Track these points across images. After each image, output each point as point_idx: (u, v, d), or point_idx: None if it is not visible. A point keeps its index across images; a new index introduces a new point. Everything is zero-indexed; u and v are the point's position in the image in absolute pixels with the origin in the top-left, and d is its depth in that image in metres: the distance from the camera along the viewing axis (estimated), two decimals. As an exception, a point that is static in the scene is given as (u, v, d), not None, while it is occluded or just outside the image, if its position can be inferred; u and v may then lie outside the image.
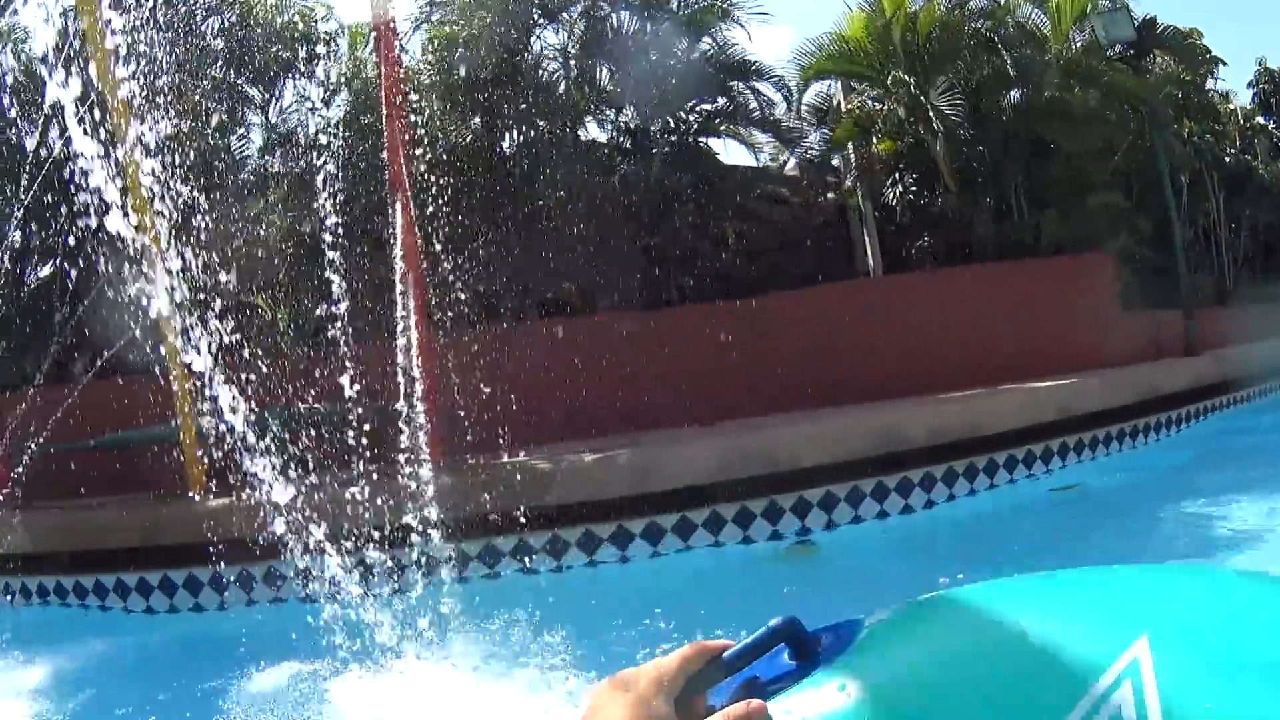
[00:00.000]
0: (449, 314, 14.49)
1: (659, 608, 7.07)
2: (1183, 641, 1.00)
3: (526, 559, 9.37)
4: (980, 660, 1.05)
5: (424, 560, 8.50)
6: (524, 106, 16.21)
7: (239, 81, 15.38)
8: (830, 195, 17.32)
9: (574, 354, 13.55)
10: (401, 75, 12.60)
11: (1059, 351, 14.87)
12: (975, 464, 11.20)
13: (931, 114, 14.98)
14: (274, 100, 16.83)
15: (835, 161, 17.01)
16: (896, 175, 16.61)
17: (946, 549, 9.80)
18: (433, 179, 15.96)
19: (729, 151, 35.26)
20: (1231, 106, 30.91)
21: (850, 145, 16.51)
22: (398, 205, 10.16)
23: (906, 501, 10.62)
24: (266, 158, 16.79)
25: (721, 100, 17.31)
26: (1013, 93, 17.02)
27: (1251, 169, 25.70)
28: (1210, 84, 27.86)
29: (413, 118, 15.27)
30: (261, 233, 15.58)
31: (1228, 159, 25.00)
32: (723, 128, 17.99)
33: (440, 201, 16.12)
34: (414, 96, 15.91)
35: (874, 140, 16.24)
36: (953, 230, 16.00)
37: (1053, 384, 12.76)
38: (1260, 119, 32.42)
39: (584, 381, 13.40)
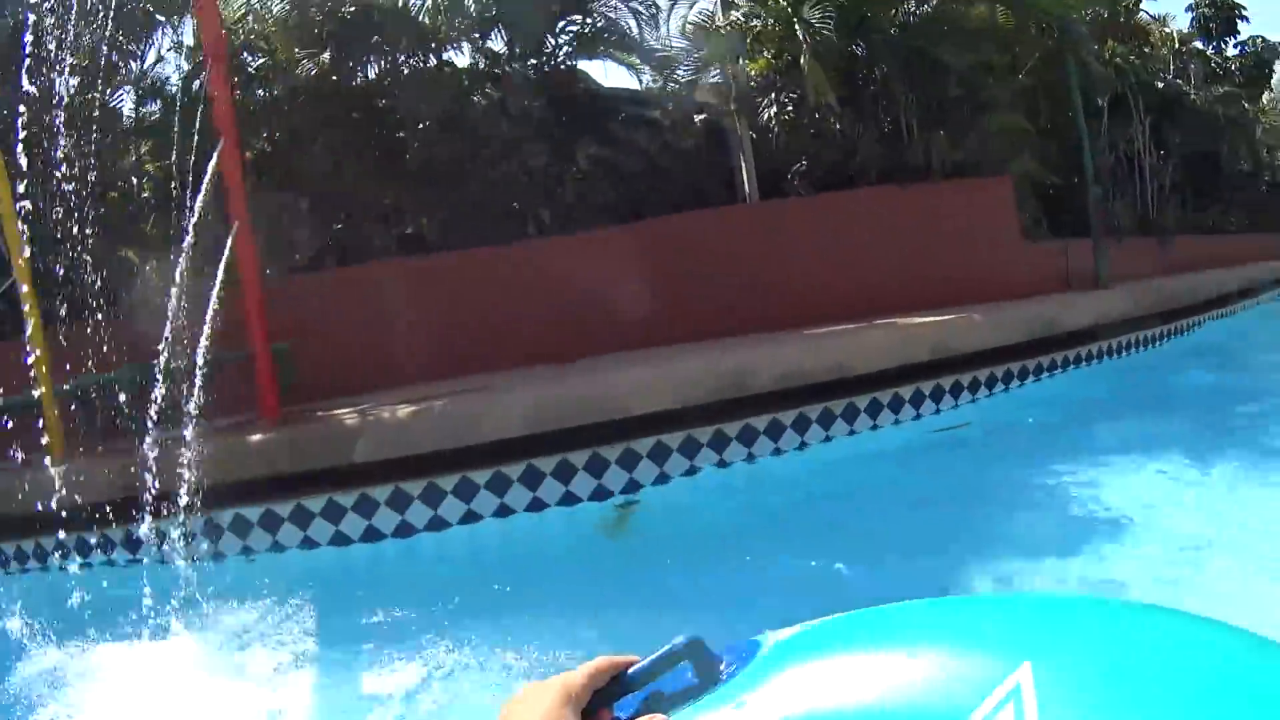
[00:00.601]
0: (283, 257, 13.56)
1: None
2: (1065, 669, 1.03)
3: (335, 522, 8.62)
4: (870, 683, 1.09)
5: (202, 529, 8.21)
6: (377, 39, 14.92)
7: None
8: (702, 117, 15.99)
9: (422, 293, 12.84)
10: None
11: (954, 283, 13.83)
12: (832, 409, 10.17)
13: (798, 28, 13.69)
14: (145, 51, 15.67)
15: (714, 79, 15.66)
16: (773, 96, 15.28)
17: (784, 499, 8.94)
18: (275, 117, 15.05)
19: (611, 76, 33.95)
20: (1168, 30, 30.04)
21: (728, 65, 15.20)
22: (219, 148, 9.36)
23: (750, 450, 9.66)
24: (140, 108, 15.75)
25: (590, 20, 15.96)
26: (909, 4, 15.75)
27: (1183, 94, 24.61)
28: (1146, 5, 27.13)
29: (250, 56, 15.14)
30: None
31: (1160, 83, 23.88)
32: (599, 49, 16.72)
33: (281, 139, 15.18)
34: (260, 31, 15.39)
35: (744, 58, 14.91)
36: (835, 154, 14.73)
37: (932, 319, 11.69)
38: (1198, 44, 31.60)
39: (433, 322, 12.82)
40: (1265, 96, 40.80)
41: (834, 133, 15.09)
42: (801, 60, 13.70)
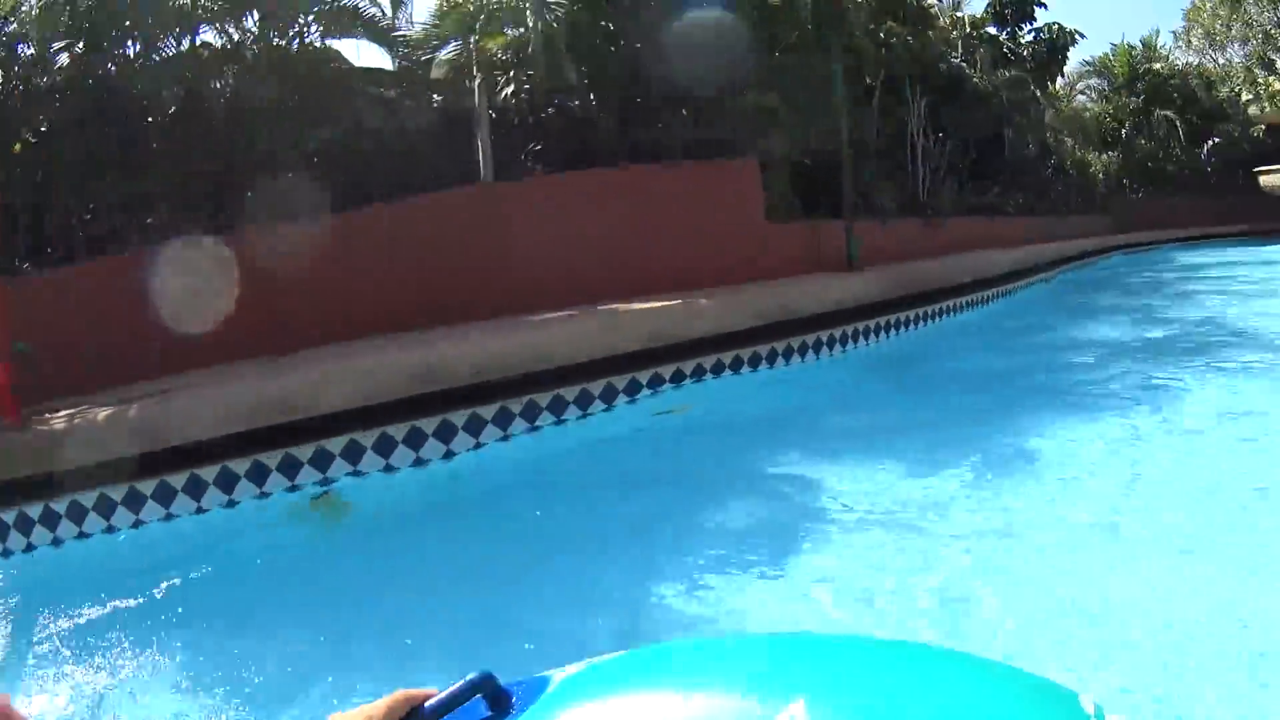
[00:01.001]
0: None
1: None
2: (837, 706, 1.13)
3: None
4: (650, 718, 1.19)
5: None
6: (129, 23, 14.03)
7: None
8: (441, 96, 15.42)
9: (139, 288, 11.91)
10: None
11: (698, 266, 13.53)
12: (537, 401, 9.81)
13: (529, 6, 13.26)
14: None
15: (451, 56, 15.08)
16: (511, 74, 14.76)
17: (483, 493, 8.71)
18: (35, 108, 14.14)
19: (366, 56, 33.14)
20: (960, 15, 30.57)
21: (468, 42, 14.66)
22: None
23: (449, 447, 9.26)
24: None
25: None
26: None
27: (965, 77, 24.95)
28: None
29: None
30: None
31: (943, 66, 24.13)
32: (350, 28, 16.01)
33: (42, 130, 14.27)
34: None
35: (478, 34, 14.35)
36: (575, 133, 14.30)
37: (654, 305, 11.31)
38: (991, 29, 32.23)
39: (151, 318, 11.78)
40: (1058, 82, 42.16)
41: (575, 112, 14.65)
42: (532, 38, 13.25)
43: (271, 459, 8.51)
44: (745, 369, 11.83)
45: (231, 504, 8.41)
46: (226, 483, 8.40)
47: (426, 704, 1.28)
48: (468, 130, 14.33)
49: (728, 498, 7.61)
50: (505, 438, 9.51)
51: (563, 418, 9.93)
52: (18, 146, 13.52)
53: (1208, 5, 42.80)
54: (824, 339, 12.98)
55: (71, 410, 8.94)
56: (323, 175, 13.88)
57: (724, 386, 11.40)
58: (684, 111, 14.45)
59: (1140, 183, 47.05)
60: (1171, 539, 6.06)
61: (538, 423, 9.74)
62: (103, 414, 8.57)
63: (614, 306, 11.54)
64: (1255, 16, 39.19)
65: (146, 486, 8.22)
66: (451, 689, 1.30)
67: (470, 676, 1.30)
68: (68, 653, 5.93)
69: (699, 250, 13.74)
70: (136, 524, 8.25)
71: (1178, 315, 17.92)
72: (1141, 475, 7.56)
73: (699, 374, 11.24)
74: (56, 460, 8.05)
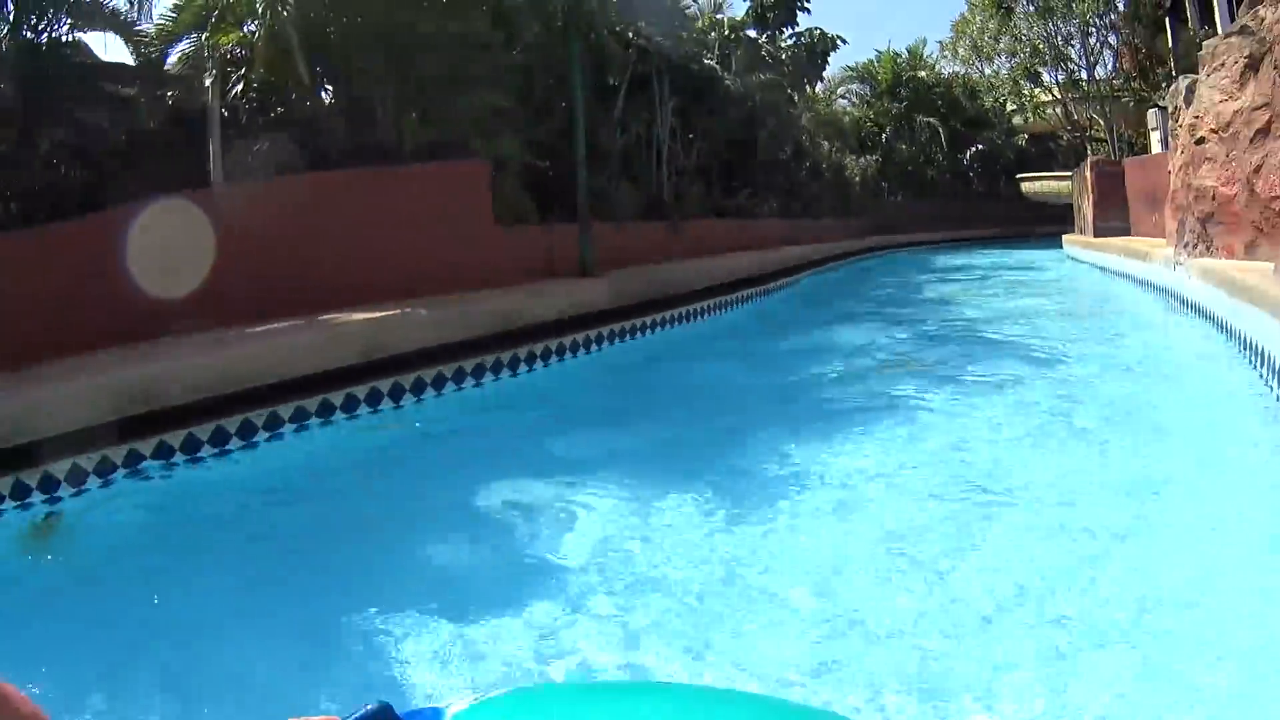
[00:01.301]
0: None
1: None
2: None
3: None
4: None
5: None
6: None
7: None
8: (174, 94, 14.60)
9: None
10: None
11: (425, 273, 13.26)
12: (253, 420, 9.52)
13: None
14: None
15: (181, 52, 14.30)
16: (243, 71, 14.13)
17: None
18: None
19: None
20: (720, 17, 30.93)
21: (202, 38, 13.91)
22: None
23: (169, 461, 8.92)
24: None
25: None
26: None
27: (718, 79, 25.23)
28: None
29: None
30: None
31: (695, 67, 24.29)
32: (94, 23, 14.96)
33: None
34: None
35: (212, 30, 13.63)
36: (305, 134, 13.77)
37: (371, 316, 11.03)
38: (751, 31, 32.74)
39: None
40: (819, 87, 43.36)
41: (305, 112, 14.11)
42: (258, 35, 12.71)
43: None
44: (469, 382, 11.64)
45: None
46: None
47: None
48: (203, 130, 13.63)
49: (428, 533, 7.13)
50: (224, 453, 9.16)
51: (278, 434, 9.61)
52: None
53: (977, 18, 44.61)
54: (553, 348, 12.92)
55: None
56: (55, 178, 13.02)
57: (445, 403, 11.18)
58: (413, 112, 14.08)
59: (900, 186, 48.90)
60: (894, 550, 6.16)
61: (254, 439, 9.38)
62: None
63: (334, 316, 11.15)
64: (1025, 31, 41.13)
65: None
66: (349, 717, 1.32)
67: (368, 707, 1.32)
68: None
69: (428, 256, 13.47)
70: None
71: (923, 320, 18.56)
72: (877, 490, 7.63)
73: (419, 389, 10.97)
74: None
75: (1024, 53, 41.79)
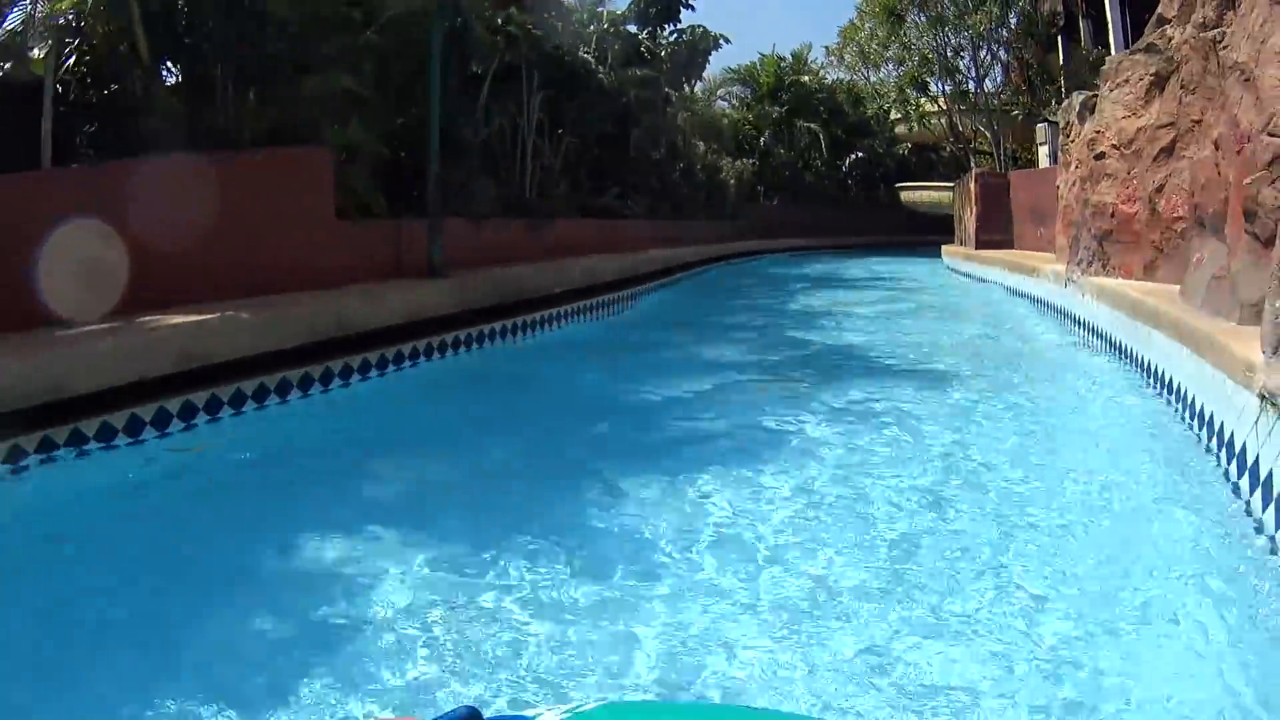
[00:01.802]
0: None
1: None
2: None
3: None
4: None
5: None
6: None
7: None
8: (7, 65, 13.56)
9: None
10: None
11: (258, 269, 12.51)
12: (53, 437, 8.51)
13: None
14: None
15: (11, 20, 13.26)
16: (77, 42, 13.14)
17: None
18: None
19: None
20: (601, 9, 30.41)
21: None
22: None
23: None
24: None
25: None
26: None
27: (590, 72, 24.70)
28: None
29: None
30: None
31: (567, 58, 23.71)
32: None
33: None
34: None
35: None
36: (139, 113, 12.83)
37: (187, 319, 10.25)
38: (632, 26, 32.30)
39: None
40: (698, 86, 43.16)
41: (137, 90, 13.16)
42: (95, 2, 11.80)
43: None
44: (295, 394, 10.95)
45: None
46: None
47: None
48: (35, 105, 12.62)
49: (221, 584, 6.23)
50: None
51: (83, 451, 8.70)
52: None
53: (866, 25, 44.99)
54: (389, 355, 12.28)
55: None
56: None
57: (264, 417, 10.42)
58: (250, 93, 13.25)
59: (776, 190, 49.07)
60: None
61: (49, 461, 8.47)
62: None
63: (150, 318, 10.28)
64: (914, 40, 41.57)
65: None
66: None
67: (455, 710, 1.33)
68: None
69: (263, 252, 12.62)
70: None
71: (779, 332, 18.30)
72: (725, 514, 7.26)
73: (238, 402, 10.24)
74: None
75: (912, 61, 42.23)
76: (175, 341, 9.79)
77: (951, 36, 40.25)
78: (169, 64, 14.02)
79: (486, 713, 1.39)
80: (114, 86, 13.57)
